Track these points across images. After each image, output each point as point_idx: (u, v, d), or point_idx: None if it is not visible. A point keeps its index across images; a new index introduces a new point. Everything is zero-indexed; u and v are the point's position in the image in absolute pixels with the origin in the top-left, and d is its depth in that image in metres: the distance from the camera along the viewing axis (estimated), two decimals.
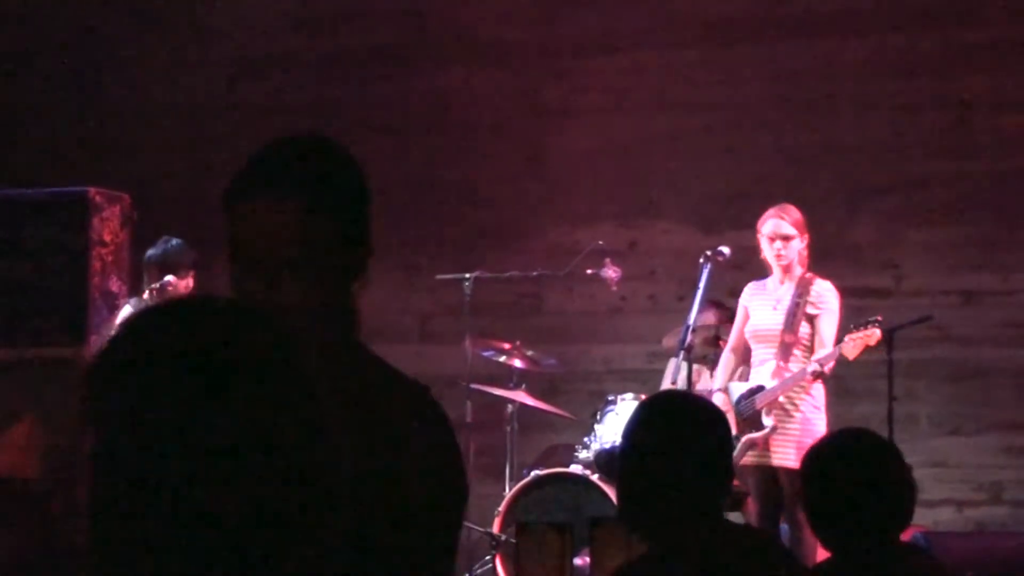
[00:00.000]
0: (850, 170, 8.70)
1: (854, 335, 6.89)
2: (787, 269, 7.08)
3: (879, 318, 6.96)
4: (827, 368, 6.91)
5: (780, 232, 7.06)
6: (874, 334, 6.91)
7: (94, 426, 1.38)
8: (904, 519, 3.57)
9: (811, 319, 7.04)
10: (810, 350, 7.03)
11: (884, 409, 7.45)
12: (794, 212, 7.10)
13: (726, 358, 7.34)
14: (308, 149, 2.25)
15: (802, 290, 7.05)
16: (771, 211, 7.13)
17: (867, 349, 6.94)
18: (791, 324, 7.00)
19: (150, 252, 7.59)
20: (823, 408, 7.01)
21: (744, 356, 7.31)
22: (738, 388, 7.13)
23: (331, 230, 2.18)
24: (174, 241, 7.53)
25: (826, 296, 7.08)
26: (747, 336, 7.19)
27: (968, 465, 8.43)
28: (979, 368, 8.47)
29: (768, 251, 7.11)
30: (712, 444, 3.20)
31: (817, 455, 3.65)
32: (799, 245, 7.07)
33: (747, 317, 7.20)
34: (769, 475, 6.91)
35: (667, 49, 9.02)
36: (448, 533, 2.21)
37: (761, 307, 7.15)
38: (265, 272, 2.16)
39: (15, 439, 6.86)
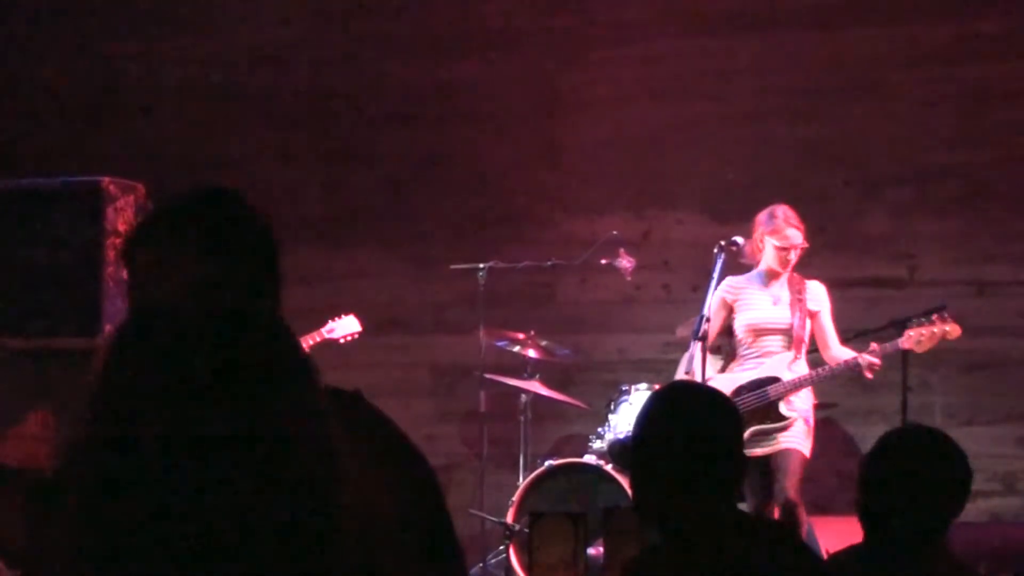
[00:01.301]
0: (864, 161, 8.68)
1: (922, 330, 7.00)
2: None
3: (946, 306, 7.10)
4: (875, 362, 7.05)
5: (797, 243, 7.13)
6: (955, 329, 7.04)
7: (95, 419, 1.37)
8: (954, 517, 3.58)
9: (812, 315, 7.17)
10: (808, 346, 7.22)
11: (898, 400, 7.45)
12: (795, 216, 7.17)
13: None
14: (208, 201, 2.36)
15: (799, 287, 7.17)
16: (778, 220, 7.16)
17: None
18: (799, 319, 7.10)
19: None
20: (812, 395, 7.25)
21: (713, 349, 7.39)
22: (726, 380, 7.11)
23: (225, 277, 2.27)
24: None
25: (820, 294, 7.25)
26: (742, 330, 7.21)
27: (982, 456, 8.38)
28: (993, 359, 8.45)
29: (775, 256, 7.14)
30: (725, 434, 3.20)
31: (883, 450, 3.64)
32: None
33: (731, 312, 7.24)
34: (760, 464, 6.97)
35: (681, 39, 9.00)
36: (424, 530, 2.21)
37: (758, 301, 7.19)
38: None
39: (29, 429, 6.87)
